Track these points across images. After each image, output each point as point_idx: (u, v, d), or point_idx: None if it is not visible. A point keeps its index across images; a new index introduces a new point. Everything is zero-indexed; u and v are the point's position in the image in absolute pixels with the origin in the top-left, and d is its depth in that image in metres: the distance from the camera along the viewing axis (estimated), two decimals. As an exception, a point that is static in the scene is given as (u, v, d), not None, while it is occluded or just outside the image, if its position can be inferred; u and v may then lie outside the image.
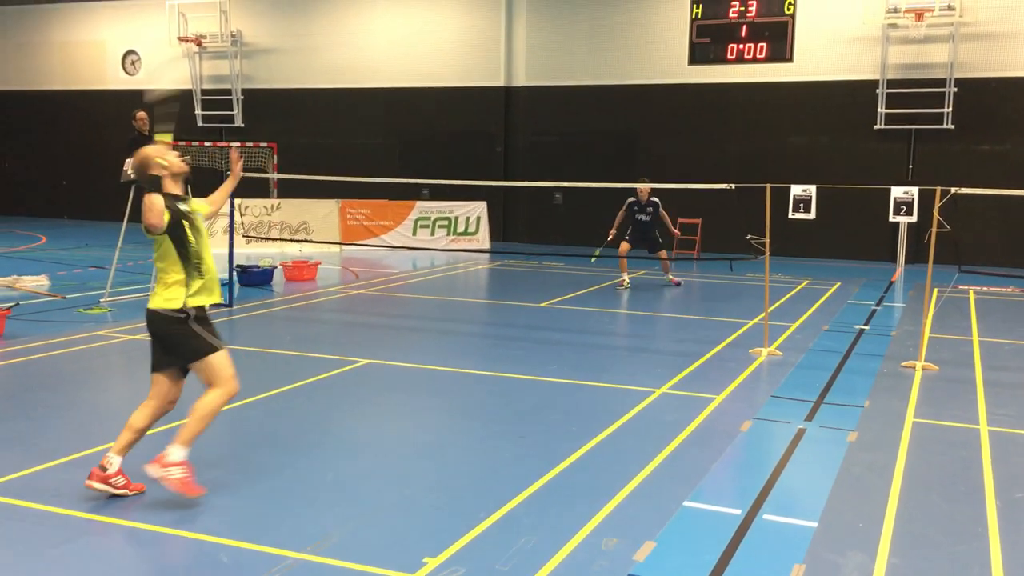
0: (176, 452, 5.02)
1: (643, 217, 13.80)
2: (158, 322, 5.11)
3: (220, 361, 5.16)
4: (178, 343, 5.11)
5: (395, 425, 6.91)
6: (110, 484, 5.07)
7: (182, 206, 5.15)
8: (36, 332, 9.69)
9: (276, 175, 19.31)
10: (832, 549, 4.58)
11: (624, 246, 13.88)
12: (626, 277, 13.97)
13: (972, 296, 13.57)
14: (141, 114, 12.33)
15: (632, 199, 13.89)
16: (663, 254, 14.22)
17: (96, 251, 17.43)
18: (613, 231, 13.87)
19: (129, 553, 4.46)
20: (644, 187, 13.68)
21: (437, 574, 4.23)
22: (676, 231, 14.15)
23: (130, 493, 5.11)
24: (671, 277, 14.34)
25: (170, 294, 5.06)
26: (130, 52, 25.02)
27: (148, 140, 12.13)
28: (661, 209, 13.88)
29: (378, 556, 4.41)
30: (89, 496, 5.10)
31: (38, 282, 12.87)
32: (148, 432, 5.33)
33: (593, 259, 15.98)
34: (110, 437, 6.17)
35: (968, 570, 4.42)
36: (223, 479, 5.65)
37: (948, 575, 4.37)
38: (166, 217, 4.98)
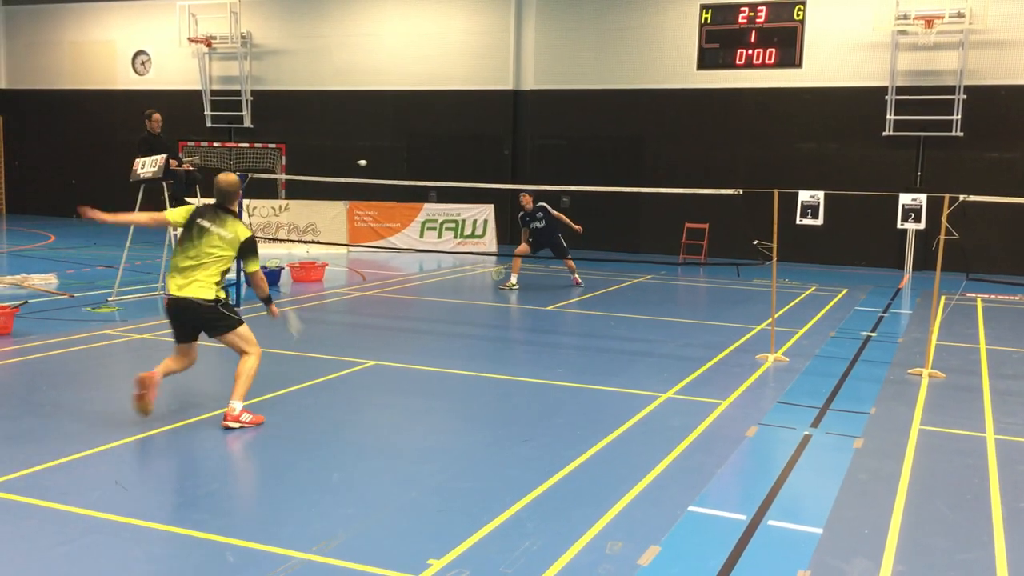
0: (237, 404, 6.57)
1: (537, 224, 14.19)
2: (196, 308, 6.55)
3: (247, 331, 6.75)
4: (216, 321, 6.62)
5: (401, 427, 6.92)
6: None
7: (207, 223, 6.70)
8: (44, 330, 9.73)
9: (284, 176, 19.37)
10: (837, 556, 4.58)
11: (523, 247, 14.40)
12: (514, 278, 14.20)
13: (980, 304, 13.53)
14: (157, 116, 12.36)
15: (521, 212, 14.37)
16: (569, 263, 14.69)
17: (104, 250, 17.49)
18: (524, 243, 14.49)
19: (136, 552, 4.47)
20: (525, 198, 14.19)
21: (442, 576, 4.24)
22: (578, 227, 14.38)
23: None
24: (576, 278, 14.62)
25: (210, 288, 6.59)
26: (140, 52, 25.11)
27: (159, 141, 12.21)
28: (552, 212, 14.23)
29: (383, 557, 4.42)
30: (95, 494, 5.13)
31: (46, 280, 12.93)
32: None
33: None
34: (117, 435, 6.21)
35: (973, 578, 4.41)
36: (229, 479, 5.68)
37: (953, 583, 4.36)
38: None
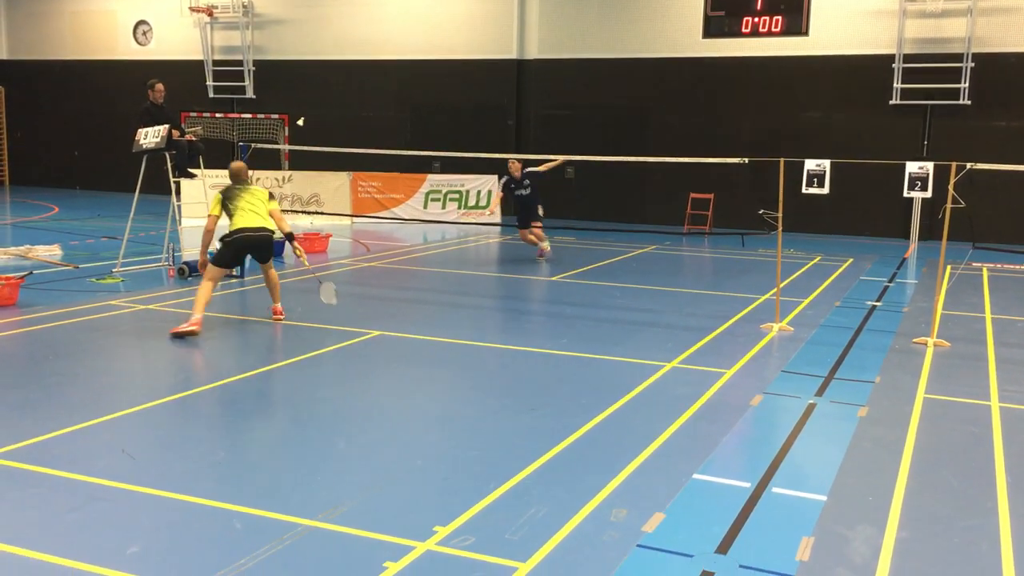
0: (279, 305, 9.01)
1: (523, 192, 13.84)
2: (265, 237, 8.79)
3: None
4: (270, 248, 8.96)
5: (406, 396, 6.94)
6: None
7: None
8: (49, 301, 9.74)
9: (287, 147, 19.29)
10: (841, 522, 4.60)
11: (524, 233, 14.09)
12: (546, 244, 14.09)
13: (985, 273, 13.49)
14: (160, 86, 12.28)
15: (506, 177, 14.04)
16: (538, 229, 14.05)
17: (108, 221, 17.48)
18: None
19: (142, 519, 4.50)
20: (514, 164, 13.83)
21: (447, 542, 4.26)
22: (558, 160, 14.04)
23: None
24: (544, 246, 14.14)
25: (272, 224, 8.85)
26: (141, 22, 24.92)
27: (162, 111, 12.13)
28: (538, 173, 13.88)
29: (389, 524, 4.45)
30: (102, 463, 5.16)
31: (51, 252, 12.94)
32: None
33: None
34: (122, 405, 6.24)
35: (977, 545, 4.43)
36: (236, 448, 5.70)
37: (957, 550, 4.38)
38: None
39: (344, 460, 5.41)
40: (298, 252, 8.88)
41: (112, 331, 8.65)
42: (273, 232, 8.88)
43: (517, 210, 14.20)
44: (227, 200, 8.79)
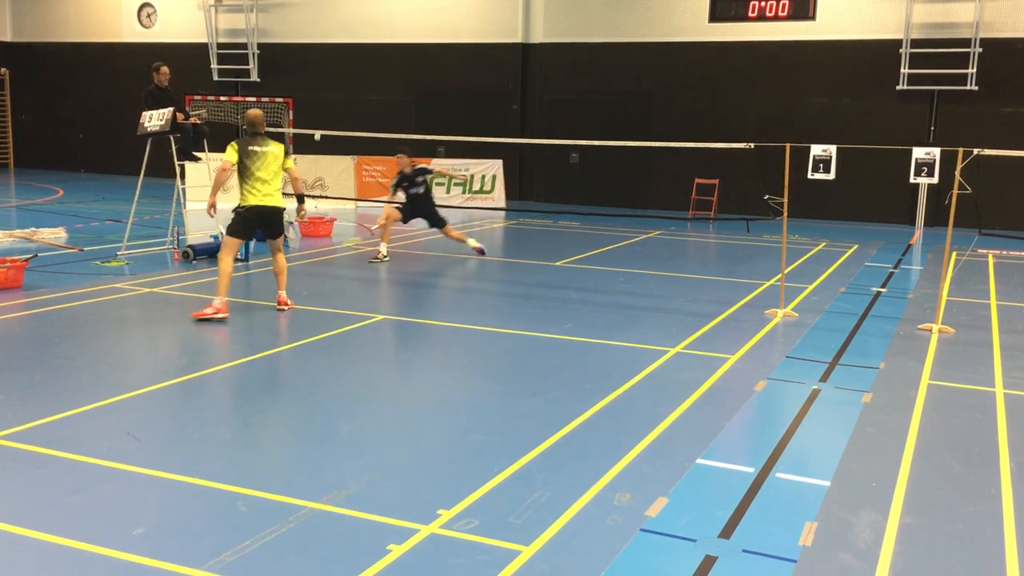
0: (284, 294, 8.93)
1: (417, 190, 12.39)
2: (276, 213, 8.87)
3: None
4: (281, 223, 9.03)
5: (410, 380, 6.95)
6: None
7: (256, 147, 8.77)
8: (54, 284, 9.76)
9: (292, 130, 19.25)
10: (845, 508, 4.60)
11: (393, 213, 12.44)
12: (384, 248, 12.21)
13: (991, 259, 13.45)
14: (165, 69, 12.24)
15: (399, 175, 12.43)
16: (451, 231, 12.71)
17: (113, 204, 17.48)
18: (391, 200, 12.54)
19: (148, 501, 4.52)
20: (404, 159, 12.32)
21: (451, 525, 4.27)
22: (459, 175, 12.46)
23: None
24: (473, 244, 12.69)
25: (280, 198, 8.92)
26: (146, 5, 24.85)
27: (166, 94, 12.11)
28: (432, 172, 12.63)
29: (393, 507, 4.46)
30: (107, 445, 5.17)
31: (56, 234, 12.95)
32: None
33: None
34: (127, 387, 6.26)
35: (981, 531, 4.43)
36: (240, 430, 5.71)
37: (961, 536, 4.38)
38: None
39: (348, 443, 5.42)
40: (302, 214, 9.41)
41: (116, 314, 8.66)
42: (283, 208, 8.99)
43: (410, 208, 12.49)
44: (243, 156, 8.66)
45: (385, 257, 12.11)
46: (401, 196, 12.52)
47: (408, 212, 12.55)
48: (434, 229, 12.89)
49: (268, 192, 8.73)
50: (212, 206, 8.89)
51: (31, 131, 26.80)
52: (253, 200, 8.69)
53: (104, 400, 5.99)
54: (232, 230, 8.77)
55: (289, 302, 8.90)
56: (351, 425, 5.75)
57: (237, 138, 8.97)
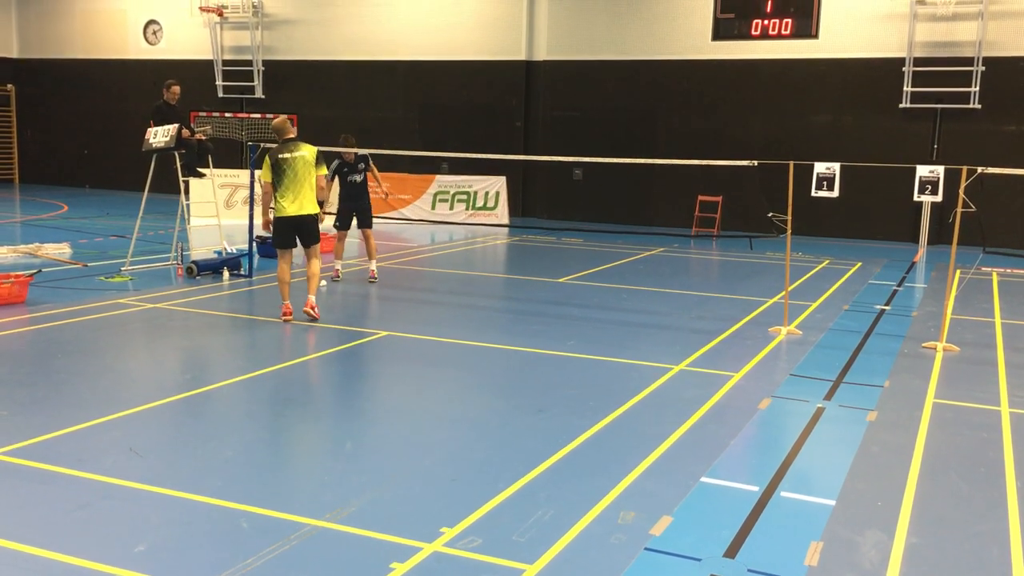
0: (313, 298, 9.05)
1: (356, 178, 11.66)
2: (308, 220, 9.05)
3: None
4: (315, 230, 9.19)
5: (413, 397, 6.93)
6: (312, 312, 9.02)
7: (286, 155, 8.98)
8: (58, 299, 9.77)
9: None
10: (850, 527, 4.57)
11: (337, 234, 11.81)
12: (339, 265, 11.81)
13: (995, 278, 13.43)
14: (176, 88, 12.29)
15: (338, 160, 11.60)
16: (370, 234, 11.90)
17: (117, 220, 17.52)
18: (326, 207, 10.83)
19: (150, 518, 4.50)
20: (350, 141, 11.53)
21: (455, 543, 4.25)
22: (382, 191, 11.89)
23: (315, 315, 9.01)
24: (372, 268, 11.86)
25: (314, 205, 9.09)
26: (152, 22, 25.00)
27: (173, 111, 12.16)
28: (372, 164, 11.81)
29: (396, 525, 4.44)
30: (110, 461, 5.16)
31: (60, 250, 12.98)
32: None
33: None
34: (130, 403, 6.25)
35: (987, 550, 4.40)
36: (243, 447, 5.70)
37: (967, 555, 4.35)
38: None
39: (351, 460, 5.41)
40: (323, 286, 9.95)
41: (120, 329, 8.66)
42: (316, 215, 9.12)
43: (345, 200, 11.75)
44: (275, 166, 8.89)
45: (338, 277, 11.70)
46: (336, 189, 11.83)
47: (344, 212, 11.74)
48: (362, 230, 11.93)
49: (300, 201, 8.93)
50: (267, 224, 9.14)
51: (36, 147, 26.91)
52: (285, 210, 8.93)
53: (107, 416, 5.98)
54: (275, 242, 9.25)
55: (316, 309, 9.02)
56: (354, 442, 5.74)
57: (268, 151, 9.12)
